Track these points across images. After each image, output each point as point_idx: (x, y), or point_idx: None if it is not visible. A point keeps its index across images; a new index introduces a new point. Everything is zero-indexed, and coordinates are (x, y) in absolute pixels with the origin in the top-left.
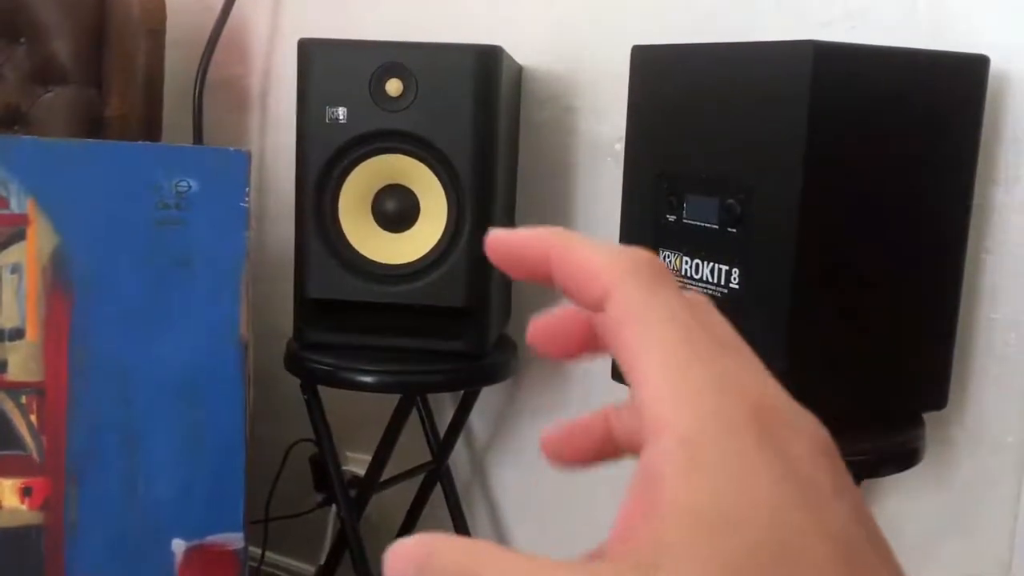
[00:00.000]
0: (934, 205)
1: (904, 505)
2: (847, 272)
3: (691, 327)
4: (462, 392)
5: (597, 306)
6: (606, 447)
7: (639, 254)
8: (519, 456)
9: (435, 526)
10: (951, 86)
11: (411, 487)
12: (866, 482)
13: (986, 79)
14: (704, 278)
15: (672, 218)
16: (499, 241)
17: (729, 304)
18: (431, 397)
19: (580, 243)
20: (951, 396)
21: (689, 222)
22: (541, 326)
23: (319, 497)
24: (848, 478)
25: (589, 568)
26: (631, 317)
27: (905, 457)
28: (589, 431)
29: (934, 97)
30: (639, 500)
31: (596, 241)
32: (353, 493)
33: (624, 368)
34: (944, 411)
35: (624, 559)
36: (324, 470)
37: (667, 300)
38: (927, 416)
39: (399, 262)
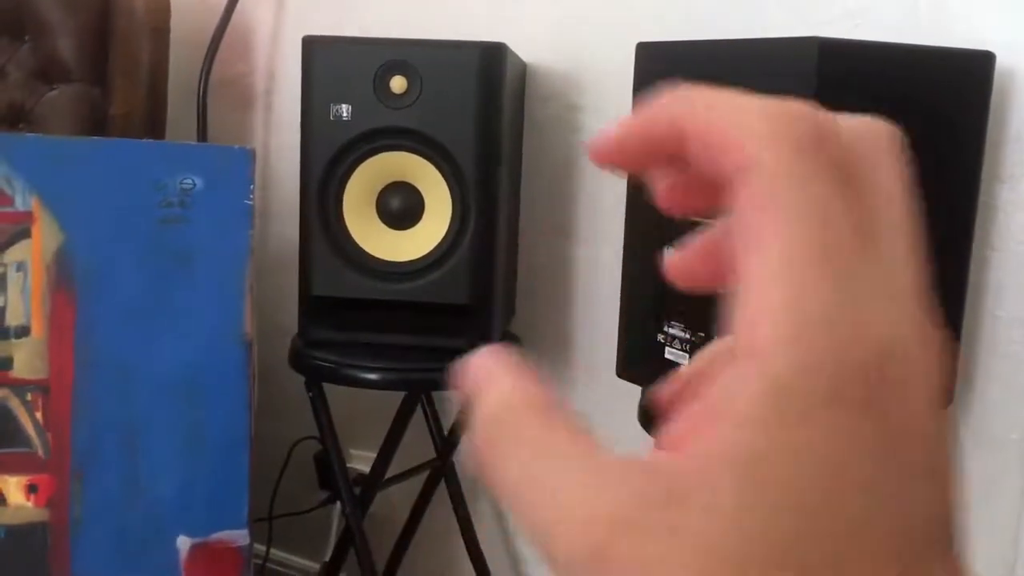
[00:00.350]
0: (939, 202)
1: None
2: None
3: (836, 224)
4: None
5: (730, 184)
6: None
7: (793, 113)
8: None
9: (440, 523)
10: (956, 83)
11: (415, 484)
12: None
13: (992, 75)
14: None
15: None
16: (610, 137)
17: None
18: (435, 394)
19: (719, 102)
20: (956, 394)
21: (694, 218)
22: (677, 264)
23: (323, 494)
24: (944, 444)
25: (614, 465)
26: (763, 200)
27: None
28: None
29: (939, 94)
30: (710, 401)
31: (739, 94)
32: (357, 490)
33: (738, 260)
34: (948, 409)
35: (659, 475)
36: (328, 467)
37: (814, 176)
38: None
39: (403, 259)
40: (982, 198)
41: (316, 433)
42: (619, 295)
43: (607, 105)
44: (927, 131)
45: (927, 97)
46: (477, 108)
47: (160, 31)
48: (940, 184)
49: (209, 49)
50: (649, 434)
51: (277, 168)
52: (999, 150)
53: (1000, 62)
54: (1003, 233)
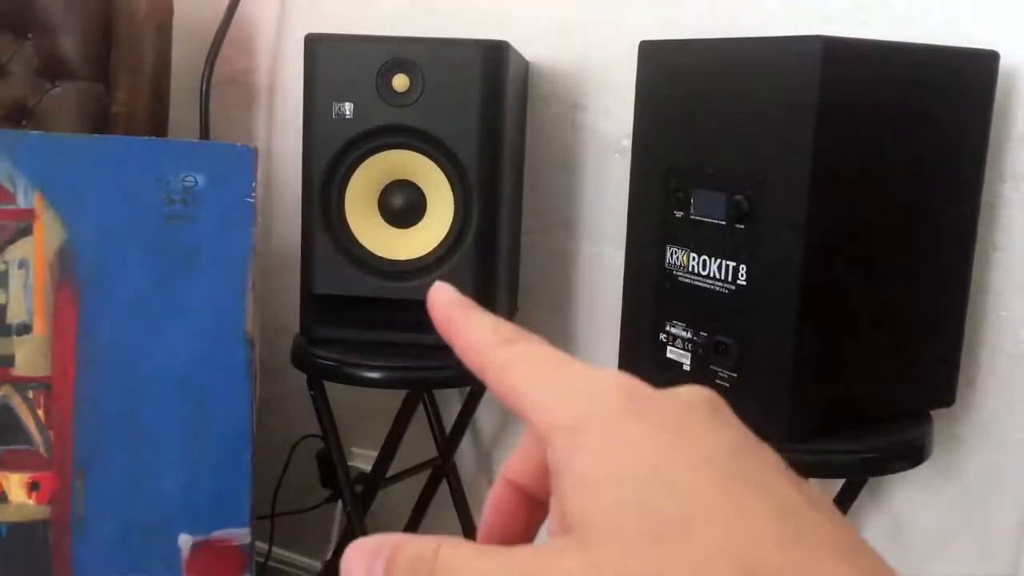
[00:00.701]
0: (943, 201)
1: (912, 503)
2: (855, 268)
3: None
4: (468, 388)
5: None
6: (531, 509)
7: (610, 383)
8: None
9: (441, 522)
10: (960, 82)
11: (417, 483)
12: (873, 479)
13: (996, 75)
14: (712, 274)
15: (680, 214)
16: (441, 309)
17: (737, 300)
18: (437, 393)
19: (523, 369)
20: (959, 393)
21: (697, 218)
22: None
23: (325, 493)
24: (726, 420)
25: (531, 549)
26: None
27: (913, 454)
28: (502, 509)
29: (943, 93)
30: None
31: (541, 364)
32: (359, 489)
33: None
34: (952, 408)
35: (553, 535)
36: (330, 466)
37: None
38: (935, 413)
39: (405, 258)
40: (985, 198)
41: (318, 431)
42: (621, 294)
43: (610, 103)
44: (930, 130)
45: (931, 96)
46: (480, 106)
47: (163, 28)
48: (943, 183)
49: (212, 47)
50: None
51: (279, 165)
52: (1003, 149)
53: (1004, 61)
54: (1006, 233)
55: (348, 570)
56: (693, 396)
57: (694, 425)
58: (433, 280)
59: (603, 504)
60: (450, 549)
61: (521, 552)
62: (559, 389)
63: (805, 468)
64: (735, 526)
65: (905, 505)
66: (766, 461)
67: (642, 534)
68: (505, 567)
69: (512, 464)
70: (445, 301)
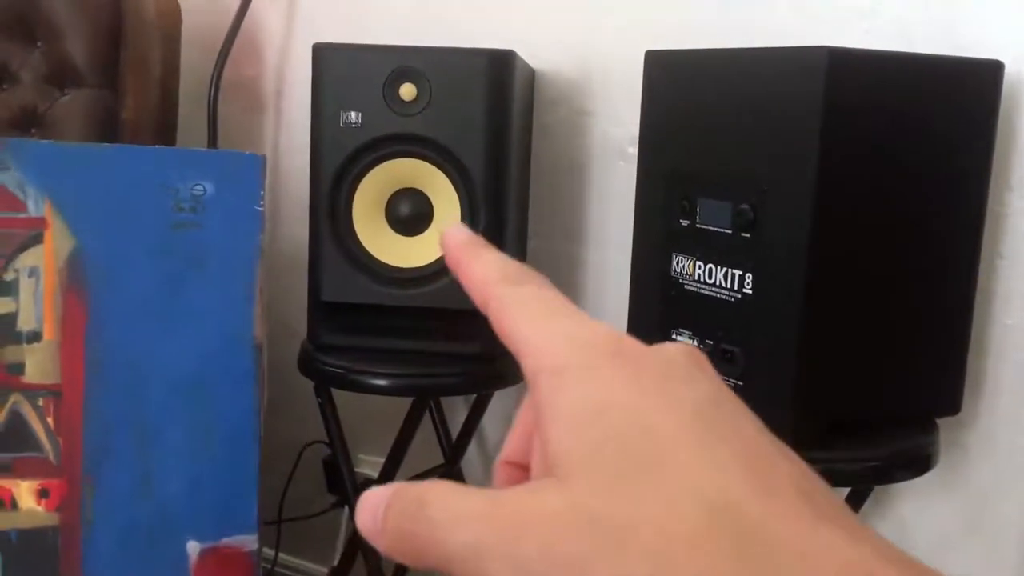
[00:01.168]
0: (948, 210)
1: (917, 511)
2: (861, 277)
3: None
4: (474, 395)
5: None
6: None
7: (580, 345)
8: None
9: None
10: (965, 92)
11: None
12: (879, 488)
13: (1000, 84)
14: (718, 283)
15: (685, 222)
16: (454, 248)
17: (743, 309)
18: (444, 400)
19: (521, 310)
20: (965, 401)
21: (702, 226)
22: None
23: (332, 498)
24: (704, 373)
25: (513, 490)
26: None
27: (919, 463)
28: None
29: (948, 102)
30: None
31: (538, 307)
32: None
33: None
34: (958, 416)
35: (536, 478)
36: (337, 472)
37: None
38: (941, 422)
39: (413, 265)
40: (991, 206)
41: (325, 436)
42: (627, 301)
43: (615, 111)
44: (935, 139)
45: (936, 105)
46: (486, 115)
47: (171, 35)
48: (949, 192)
49: (220, 53)
50: None
51: (287, 170)
52: (1008, 158)
53: (1009, 71)
54: (1012, 241)
55: (360, 519)
56: (676, 350)
57: (673, 376)
58: (440, 287)
59: (582, 443)
60: (437, 490)
61: (505, 493)
62: (552, 334)
63: None
64: (704, 466)
65: (911, 514)
66: (737, 410)
67: (618, 473)
68: (489, 506)
69: (508, 446)
70: (459, 239)
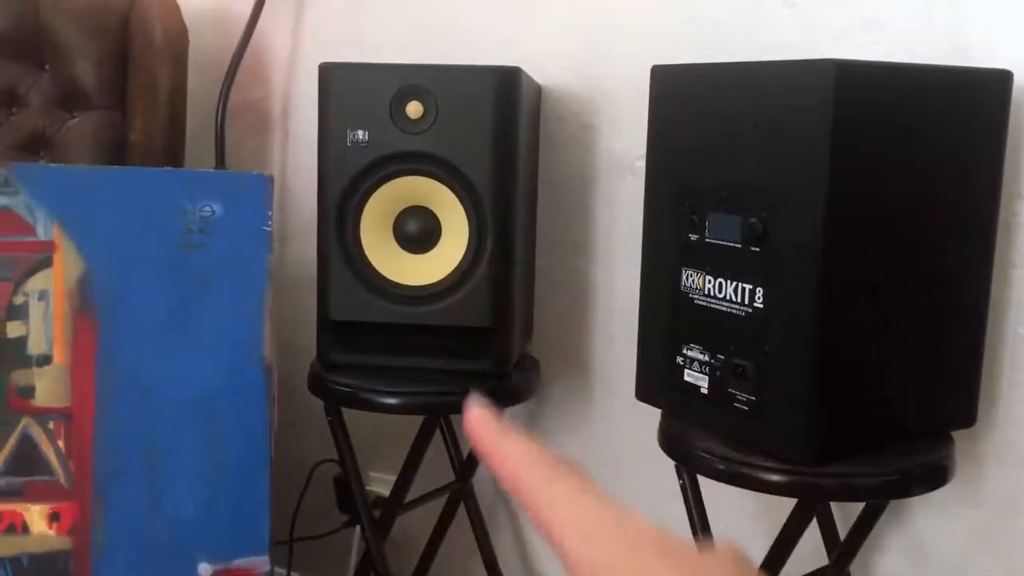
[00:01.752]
0: (960, 220)
1: (933, 524)
2: (873, 290)
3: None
4: None
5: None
6: None
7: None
8: None
9: (460, 546)
10: (974, 101)
11: (435, 507)
12: (894, 502)
13: (1010, 94)
14: (728, 297)
15: (695, 237)
16: (483, 443)
17: (754, 323)
18: (454, 417)
19: (560, 510)
20: (979, 413)
21: (712, 241)
22: None
23: (343, 517)
24: (748, 572)
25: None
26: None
27: (934, 476)
28: None
29: (957, 112)
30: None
31: (577, 503)
32: (377, 514)
33: None
34: (973, 428)
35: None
36: (348, 490)
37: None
38: (956, 434)
39: (421, 283)
40: (1002, 215)
41: (336, 455)
42: (636, 315)
43: (622, 125)
44: (946, 150)
45: (945, 116)
46: (493, 132)
47: (178, 58)
48: (960, 202)
49: (227, 74)
50: (670, 457)
51: (295, 190)
52: (1018, 167)
53: (1018, 80)
54: None
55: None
56: (725, 553)
57: (716, 574)
58: (449, 305)
59: None
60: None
61: None
62: (594, 531)
63: (825, 492)
64: None
65: (927, 527)
66: None
67: None
68: None
69: None
70: (485, 434)
